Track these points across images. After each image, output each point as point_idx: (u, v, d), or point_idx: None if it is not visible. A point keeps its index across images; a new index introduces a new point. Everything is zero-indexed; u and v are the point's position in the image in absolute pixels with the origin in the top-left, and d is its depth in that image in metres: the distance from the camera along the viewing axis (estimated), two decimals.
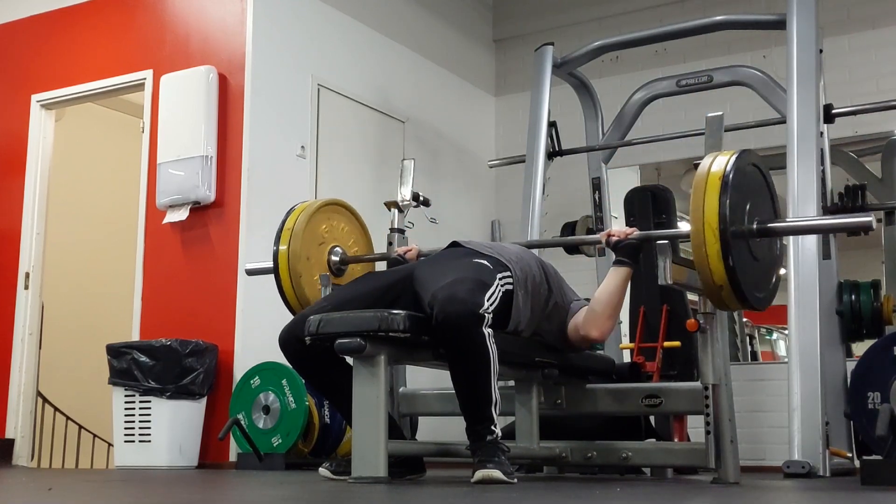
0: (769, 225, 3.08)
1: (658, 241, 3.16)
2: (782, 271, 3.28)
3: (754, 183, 3.11)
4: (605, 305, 3.24)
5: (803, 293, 4.20)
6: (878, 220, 5.19)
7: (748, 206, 3.01)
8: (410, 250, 3.70)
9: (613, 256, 3.35)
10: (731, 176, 2.91)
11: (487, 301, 2.92)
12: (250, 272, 4.17)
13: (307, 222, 3.70)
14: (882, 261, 5.43)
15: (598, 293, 3.28)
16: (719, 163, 2.97)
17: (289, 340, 3.14)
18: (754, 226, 3.03)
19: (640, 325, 4.72)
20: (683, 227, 5.43)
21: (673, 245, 3.27)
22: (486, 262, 3.13)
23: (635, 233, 3.28)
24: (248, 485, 3.27)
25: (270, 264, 3.76)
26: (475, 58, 7.19)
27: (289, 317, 3.23)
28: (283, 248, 3.67)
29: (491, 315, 2.90)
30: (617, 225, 5.73)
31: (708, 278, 2.93)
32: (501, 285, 3.07)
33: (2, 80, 6.20)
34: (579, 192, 5.96)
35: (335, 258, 3.83)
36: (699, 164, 3.22)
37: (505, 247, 3.37)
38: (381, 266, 3.94)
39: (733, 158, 2.98)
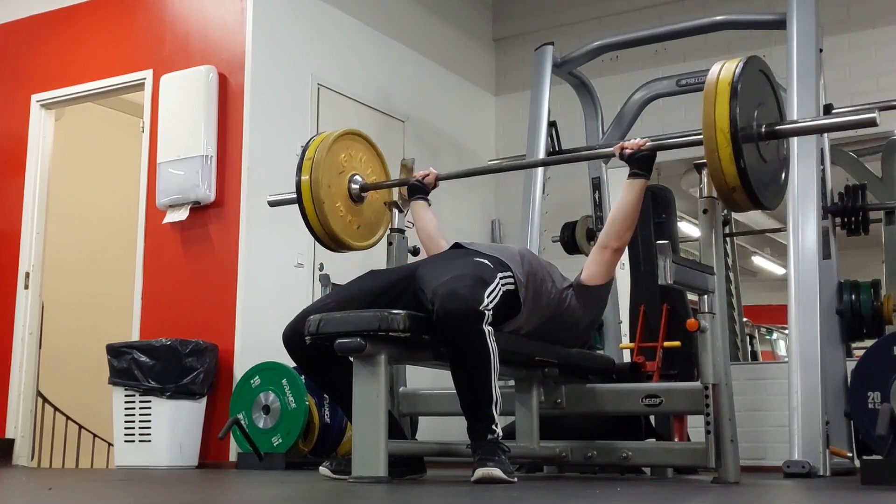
0: (777, 127, 3.17)
1: (658, 242, 3.16)
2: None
3: (761, 88, 3.19)
4: (623, 217, 3.31)
5: (803, 293, 4.20)
6: (878, 220, 5.19)
7: (756, 112, 3.10)
8: (428, 174, 3.82)
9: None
10: (739, 83, 3.00)
11: (487, 298, 2.93)
12: (273, 203, 4.21)
13: (327, 151, 3.74)
14: (882, 260, 5.43)
15: (615, 208, 3.36)
16: (728, 70, 3.05)
17: (292, 338, 3.14)
18: (763, 129, 3.12)
19: (640, 325, 4.72)
20: (683, 227, 5.46)
21: (673, 245, 3.28)
22: (487, 262, 3.14)
23: (648, 143, 3.34)
24: (249, 485, 3.27)
25: (293, 195, 3.81)
26: (475, 57, 7.19)
27: (290, 316, 3.23)
28: (304, 177, 3.72)
29: (491, 312, 2.90)
30: None
31: (721, 181, 3.03)
32: (502, 284, 3.07)
33: (2, 80, 6.20)
34: (579, 192, 5.96)
35: (355, 186, 3.87)
36: (699, 164, 3.24)
37: (507, 248, 3.38)
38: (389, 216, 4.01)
39: (741, 65, 3.05)
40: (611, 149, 3.51)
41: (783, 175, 3.33)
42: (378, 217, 3.98)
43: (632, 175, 3.34)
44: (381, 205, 3.99)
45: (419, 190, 3.84)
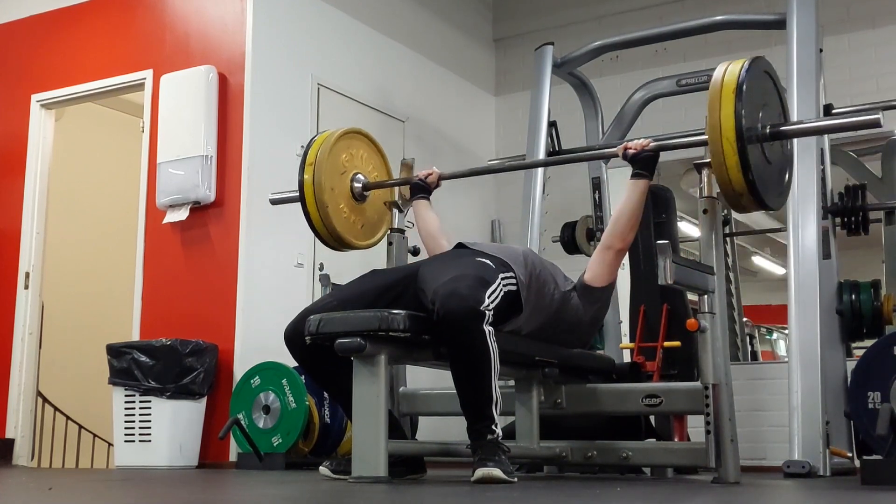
0: (781, 128, 3.19)
1: (658, 241, 3.16)
2: (788, 178, 3.39)
3: (766, 89, 3.19)
4: (626, 218, 3.31)
5: (803, 293, 4.20)
6: (878, 220, 5.19)
7: (760, 113, 3.11)
8: (431, 174, 3.83)
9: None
10: (743, 87, 3.01)
11: (488, 298, 2.93)
12: (275, 201, 4.21)
13: (329, 152, 3.75)
14: (882, 260, 5.43)
15: (618, 208, 3.36)
16: (731, 73, 3.05)
17: (293, 337, 3.14)
18: (767, 130, 3.13)
19: (640, 325, 4.71)
20: (683, 227, 5.46)
21: (673, 245, 3.28)
22: (488, 262, 3.14)
23: (651, 144, 3.35)
24: (248, 485, 3.27)
25: (295, 193, 3.82)
26: (475, 57, 7.19)
27: (290, 316, 3.23)
28: (307, 177, 3.73)
29: (492, 312, 2.90)
30: None
31: (728, 188, 3.06)
32: (504, 285, 3.07)
33: (2, 80, 6.20)
34: (579, 192, 5.96)
35: (357, 185, 3.88)
36: (699, 164, 3.23)
37: (510, 248, 3.38)
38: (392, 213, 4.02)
39: (745, 69, 3.05)
40: (614, 149, 3.51)
41: (787, 175, 3.35)
42: (380, 215, 3.99)
43: (634, 175, 3.34)
44: (382, 202, 4.00)
45: (421, 189, 3.85)
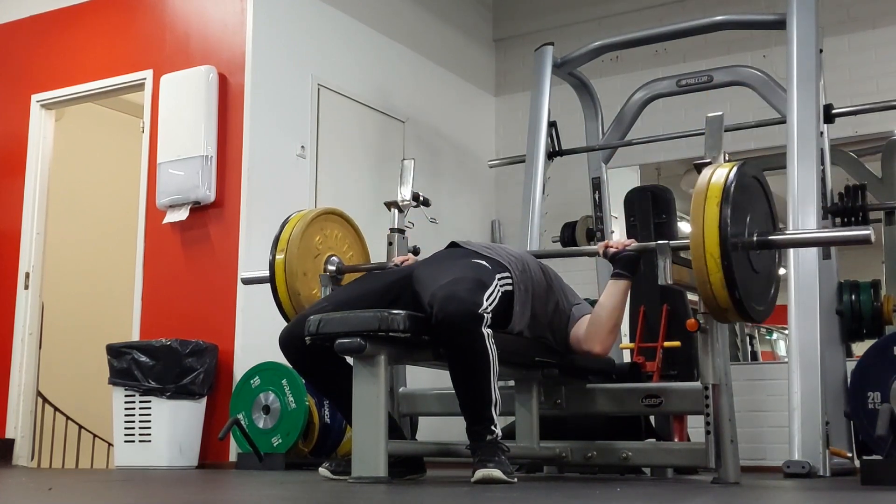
0: (769, 238, 3.10)
1: (658, 241, 3.16)
2: (782, 271, 3.29)
3: (752, 196, 3.11)
4: (605, 320, 3.23)
5: (803, 293, 4.19)
6: (878, 220, 5.19)
7: (748, 219, 3.03)
8: (407, 260, 3.68)
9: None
10: (728, 205, 2.89)
11: (486, 301, 2.92)
12: (247, 281, 4.18)
13: (301, 236, 3.72)
14: (882, 261, 5.44)
15: (597, 308, 3.27)
16: (715, 188, 2.95)
17: (289, 341, 3.14)
18: (754, 238, 3.04)
19: (640, 325, 4.72)
20: (683, 227, 5.45)
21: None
22: (485, 263, 3.14)
23: (633, 244, 3.28)
24: (248, 485, 3.27)
25: (266, 273, 3.79)
26: (475, 58, 7.19)
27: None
28: (279, 266, 3.68)
29: (490, 315, 2.89)
30: (617, 225, 5.73)
31: (713, 304, 2.98)
32: (500, 286, 3.07)
33: (2, 80, 6.20)
34: (579, 192, 5.96)
35: (332, 267, 3.84)
36: (699, 164, 3.22)
37: (504, 248, 3.38)
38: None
39: (731, 178, 2.94)
40: (594, 247, 3.45)
41: (773, 288, 3.23)
42: None
43: (615, 275, 3.26)
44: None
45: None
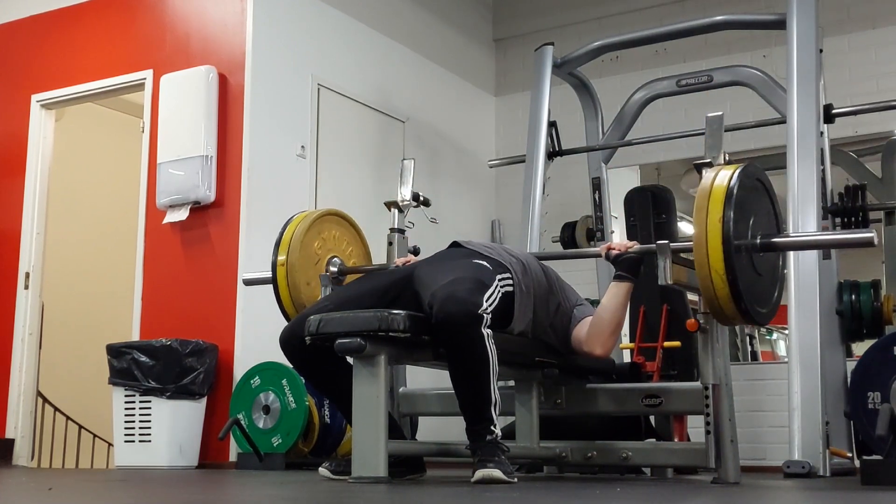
0: (773, 240, 3.11)
1: (658, 242, 3.16)
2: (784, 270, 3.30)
3: (756, 198, 3.11)
4: (607, 323, 3.23)
5: (803, 293, 4.20)
6: (878, 221, 5.19)
7: (751, 222, 3.04)
8: (408, 261, 3.67)
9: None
10: (734, 195, 2.92)
11: (486, 301, 2.92)
12: (248, 282, 4.18)
13: (300, 247, 3.70)
14: (882, 261, 5.43)
15: (599, 310, 3.27)
16: (719, 187, 2.96)
17: (289, 340, 3.14)
18: (758, 241, 3.05)
19: (640, 325, 4.72)
20: (683, 227, 5.46)
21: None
22: (485, 263, 3.14)
23: (635, 246, 3.28)
24: (248, 485, 3.27)
25: (268, 275, 3.78)
26: (475, 57, 7.19)
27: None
28: (281, 280, 3.67)
29: (490, 315, 2.89)
30: (617, 225, 5.73)
31: (720, 314, 3.01)
32: (501, 286, 3.07)
33: (2, 80, 6.20)
34: (579, 192, 5.96)
35: (333, 269, 3.84)
36: (699, 164, 3.23)
37: (505, 248, 3.38)
38: None
39: (734, 181, 2.95)
40: (597, 249, 3.47)
41: (777, 290, 3.25)
42: None
43: (617, 277, 3.26)
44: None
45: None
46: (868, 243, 3.04)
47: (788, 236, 3.47)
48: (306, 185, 5.48)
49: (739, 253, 2.93)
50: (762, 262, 3.09)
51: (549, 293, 3.32)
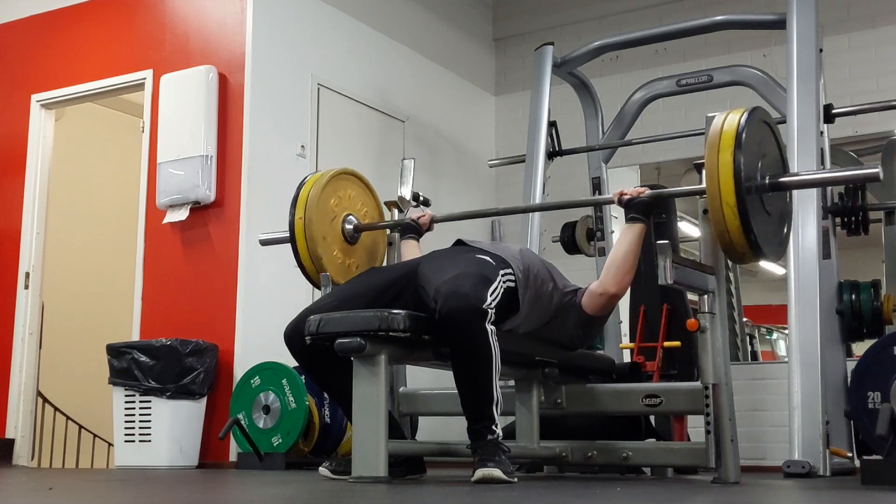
0: (780, 180, 3.19)
1: (658, 241, 3.16)
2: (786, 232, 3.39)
3: (763, 140, 3.18)
4: (621, 260, 3.28)
5: (803, 293, 4.20)
6: (878, 220, 5.19)
7: (760, 164, 3.11)
8: (424, 216, 3.79)
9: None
10: (743, 136, 3.00)
11: (490, 296, 2.93)
12: (265, 242, 4.16)
13: (318, 202, 3.70)
14: (882, 260, 5.43)
15: (613, 252, 3.33)
16: (729, 129, 3.04)
17: (294, 337, 3.13)
18: (766, 181, 3.13)
19: (640, 325, 4.72)
20: (683, 227, 5.46)
21: (673, 245, 3.28)
22: (488, 259, 3.15)
23: (647, 191, 3.33)
24: (249, 485, 3.27)
25: (286, 234, 3.78)
26: (475, 57, 7.19)
27: (290, 316, 3.23)
28: (300, 237, 3.68)
29: (493, 310, 2.90)
30: (617, 225, 5.73)
31: (731, 250, 3.09)
32: (503, 282, 3.08)
33: (2, 80, 6.20)
34: (579, 191, 5.96)
35: (349, 226, 3.84)
36: (699, 164, 3.23)
37: (508, 246, 3.39)
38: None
39: (743, 122, 3.05)
40: (610, 195, 3.51)
41: (787, 225, 3.35)
42: (373, 251, 3.93)
43: (630, 220, 3.32)
44: (374, 238, 3.94)
45: (412, 230, 3.81)
46: (874, 178, 3.12)
47: (797, 174, 3.56)
48: None
49: (750, 186, 3.01)
50: (771, 201, 3.16)
51: (552, 289, 3.32)
